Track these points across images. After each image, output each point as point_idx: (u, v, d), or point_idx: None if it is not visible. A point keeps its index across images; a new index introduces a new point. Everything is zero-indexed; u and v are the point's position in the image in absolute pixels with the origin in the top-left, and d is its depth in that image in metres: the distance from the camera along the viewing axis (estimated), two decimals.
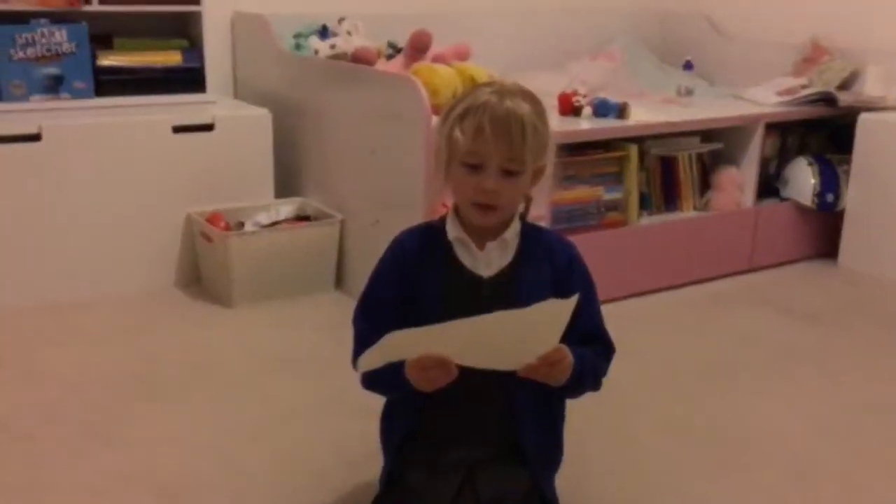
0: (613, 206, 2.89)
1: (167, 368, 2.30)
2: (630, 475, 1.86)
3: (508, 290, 1.44)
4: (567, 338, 1.37)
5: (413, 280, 1.46)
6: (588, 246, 2.76)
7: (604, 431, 2.01)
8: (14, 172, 2.57)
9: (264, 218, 2.89)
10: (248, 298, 2.73)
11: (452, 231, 1.46)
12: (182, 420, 2.04)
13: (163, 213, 2.82)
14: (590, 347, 1.47)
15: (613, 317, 2.73)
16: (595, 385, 1.49)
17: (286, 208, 2.97)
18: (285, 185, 3.10)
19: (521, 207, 1.49)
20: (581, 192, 2.80)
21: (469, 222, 1.45)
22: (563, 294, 1.32)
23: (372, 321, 1.44)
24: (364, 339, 1.38)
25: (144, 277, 2.82)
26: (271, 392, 2.18)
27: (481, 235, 1.45)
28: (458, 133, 1.38)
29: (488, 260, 1.45)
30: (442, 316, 1.29)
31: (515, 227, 1.48)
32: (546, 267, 1.49)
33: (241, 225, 2.86)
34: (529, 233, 1.50)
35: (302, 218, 2.95)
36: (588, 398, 1.50)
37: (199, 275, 2.90)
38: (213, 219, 2.80)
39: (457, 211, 1.47)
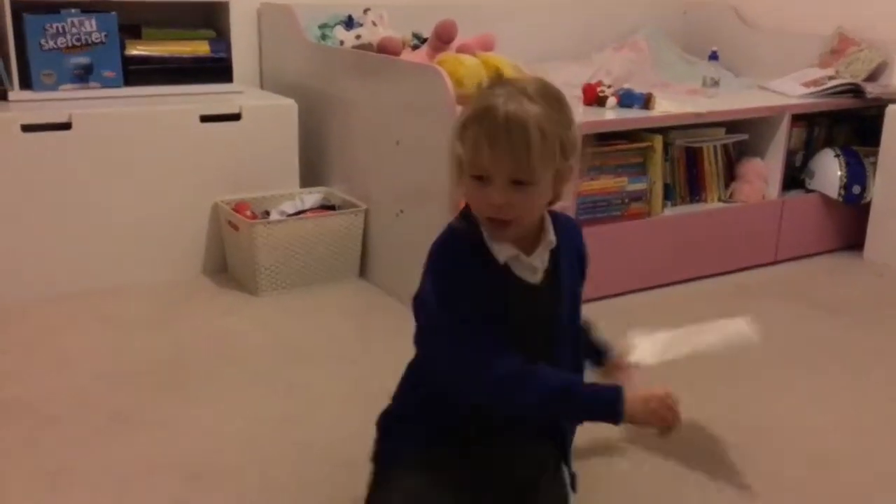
0: (637, 197, 2.88)
1: (195, 356, 2.33)
2: (649, 464, 1.86)
3: (553, 286, 1.41)
4: (573, 323, 1.47)
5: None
6: (612, 237, 2.81)
7: None
8: (44, 160, 2.61)
9: (289, 207, 2.92)
10: (274, 287, 2.76)
11: (499, 250, 1.35)
12: (209, 407, 2.07)
13: (190, 201, 2.85)
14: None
15: (636, 308, 2.79)
16: None
17: (311, 198, 2.99)
18: (310, 174, 3.13)
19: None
20: (605, 183, 2.79)
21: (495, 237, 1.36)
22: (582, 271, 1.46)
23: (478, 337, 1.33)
24: (487, 357, 1.31)
25: (172, 266, 2.85)
26: (297, 380, 2.21)
27: (522, 239, 1.37)
28: (458, 146, 1.30)
29: (535, 264, 1.38)
30: (504, 324, 1.33)
31: (549, 222, 1.40)
32: (574, 254, 1.47)
33: (267, 214, 2.89)
34: (556, 223, 1.43)
35: (327, 207, 2.97)
36: None
37: (226, 263, 2.93)
38: (239, 208, 2.83)
39: None
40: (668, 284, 2.94)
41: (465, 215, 1.37)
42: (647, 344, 1.97)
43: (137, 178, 2.75)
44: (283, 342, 2.43)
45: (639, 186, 2.88)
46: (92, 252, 2.72)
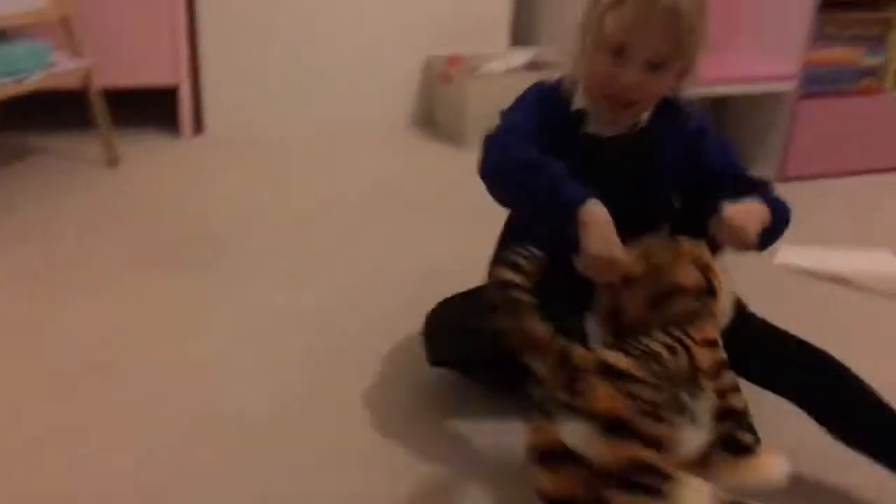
0: (871, 73, 2.68)
1: (406, 193, 2.47)
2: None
3: (634, 150, 1.38)
4: (706, 182, 1.37)
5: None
6: (839, 113, 2.63)
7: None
8: (266, 8, 2.73)
9: (499, 65, 2.92)
10: (479, 139, 2.80)
11: (579, 100, 1.37)
12: (422, 236, 2.21)
13: (403, 53, 2.93)
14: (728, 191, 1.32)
15: (859, 189, 2.63)
16: (781, 222, 1.36)
17: (520, 56, 2.98)
18: (522, 31, 3.10)
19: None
20: (838, 54, 2.61)
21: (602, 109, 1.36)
22: (696, 157, 1.37)
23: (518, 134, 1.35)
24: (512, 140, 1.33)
25: (383, 114, 2.96)
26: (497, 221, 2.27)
27: (613, 112, 1.36)
28: (610, 19, 1.28)
29: (614, 126, 1.38)
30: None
31: (645, 115, 1.39)
32: (678, 134, 1.40)
33: (476, 69, 2.90)
34: (664, 104, 1.39)
35: (535, 66, 2.95)
36: None
37: (432, 116, 3.00)
38: (451, 62, 2.86)
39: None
40: (893, 169, 2.74)
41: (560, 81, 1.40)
42: (797, 250, 1.92)
43: (358, 27, 2.84)
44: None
45: (874, 61, 2.67)
46: (313, 94, 2.87)
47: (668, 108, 1.40)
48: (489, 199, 2.45)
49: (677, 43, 1.27)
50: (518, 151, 1.31)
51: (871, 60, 2.66)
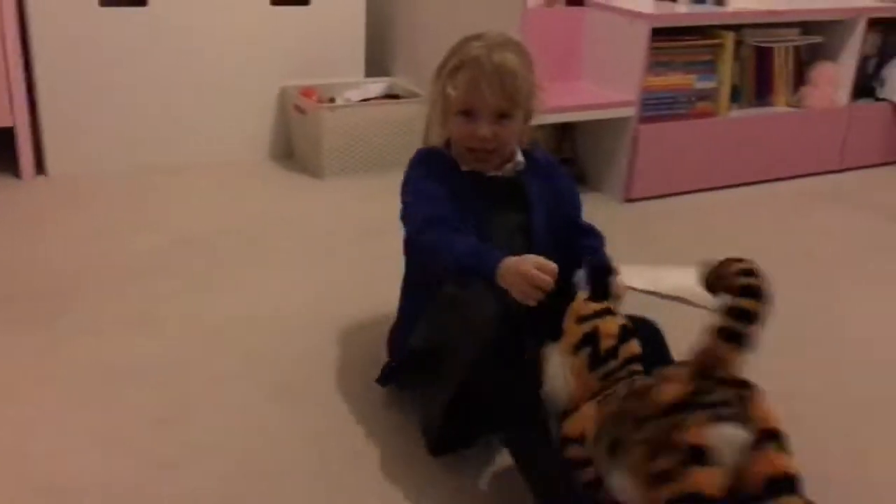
0: (705, 96, 2.86)
1: (264, 230, 2.41)
2: None
3: (520, 191, 1.55)
4: (562, 226, 1.57)
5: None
6: (676, 135, 2.80)
7: (684, 310, 2.05)
8: (120, 36, 2.66)
9: (354, 95, 2.95)
10: (337, 171, 2.81)
11: (465, 165, 1.55)
12: (276, 276, 2.15)
13: (259, 84, 2.89)
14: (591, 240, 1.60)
15: (696, 208, 2.80)
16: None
17: (375, 87, 3.02)
18: (376, 64, 3.14)
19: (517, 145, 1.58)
20: (673, 80, 2.77)
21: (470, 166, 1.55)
22: (560, 192, 1.59)
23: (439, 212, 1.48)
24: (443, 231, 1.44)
25: (240, 147, 2.92)
26: (357, 256, 2.28)
27: (492, 165, 1.55)
28: (451, 89, 1.48)
29: (499, 174, 1.56)
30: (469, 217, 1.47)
31: (519, 153, 1.58)
32: (547, 179, 1.60)
33: (332, 100, 2.92)
34: (531, 157, 1.60)
35: (391, 97, 2.99)
36: None
37: (291, 148, 2.99)
38: (306, 92, 2.86)
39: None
40: (730, 186, 2.93)
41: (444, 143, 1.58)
42: (634, 272, 2.08)
43: (208, 58, 2.79)
44: (346, 221, 2.50)
45: (707, 85, 2.85)
46: (163, 130, 2.80)
47: (534, 157, 1.60)
48: (345, 232, 2.49)
49: (511, 96, 1.48)
50: (445, 248, 1.42)
51: (703, 85, 2.84)
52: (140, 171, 2.74)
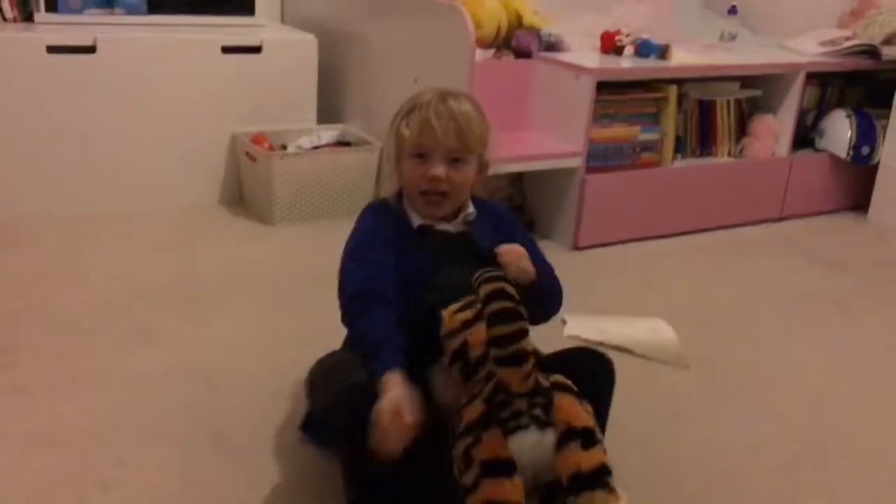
0: (649, 147, 2.93)
1: (210, 277, 2.40)
2: (649, 400, 1.93)
3: (468, 244, 1.54)
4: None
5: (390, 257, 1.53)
6: (621, 185, 2.86)
7: (626, 359, 2.09)
8: (68, 83, 2.66)
9: (306, 142, 2.97)
10: (288, 218, 2.82)
11: (416, 220, 1.56)
12: (224, 324, 2.14)
13: (209, 131, 2.90)
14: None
15: (642, 255, 2.85)
16: (557, 296, 1.60)
17: (328, 134, 3.04)
18: (328, 111, 3.17)
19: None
20: (617, 131, 2.84)
21: (422, 213, 1.56)
22: (513, 241, 1.52)
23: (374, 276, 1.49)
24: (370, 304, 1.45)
25: (189, 194, 2.92)
26: (307, 305, 2.28)
27: (443, 217, 1.57)
28: (404, 129, 1.52)
29: (449, 228, 1.57)
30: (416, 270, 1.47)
31: (469, 203, 1.60)
32: (497, 230, 1.60)
33: (284, 147, 2.94)
34: (483, 208, 1.63)
35: (343, 144, 3.02)
36: None
37: (242, 194, 2.99)
38: (257, 139, 2.88)
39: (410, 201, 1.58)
40: (673, 235, 3.00)
41: (397, 196, 1.60)
42: (581, 322, 2.14)
43: (158, 105, 2.80)
44: (295, 269, 2.50)
45: (651, 136, 2.93)
46: (111, 175, 2.79)
47: (486, 208, 1.62)
48: (293, 280, 2.48)
49: (465, 139, 1.51)
50: (364, 324, 1.44)
51: (647, 136, 2.91)
52: (87, 217, 2.72)
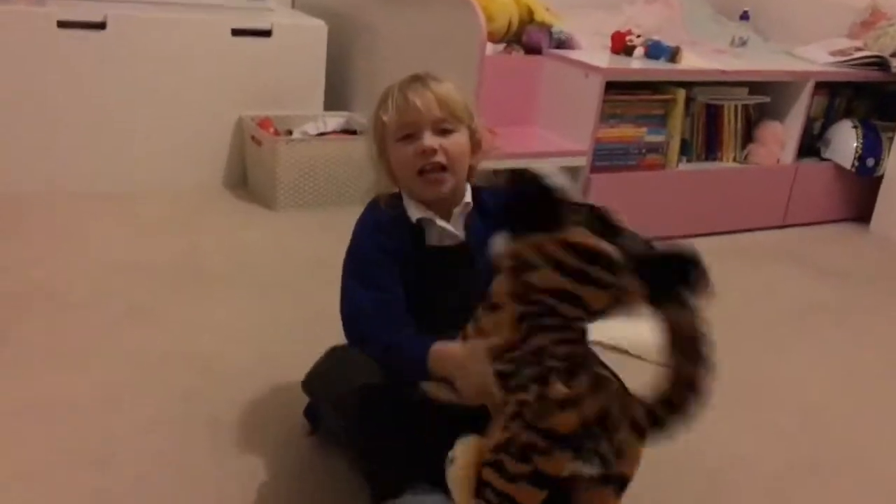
0: (654, 149, 2.92)
1: (211, 260, 2.40)
2: None
3: (468, 250, 1.49)
4: None
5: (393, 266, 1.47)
6: (624, 186, 2.85)
7: (622, 361, 2.09)
8: (78, 58, 2.65)
9: (312, 128, 2.96)
10: (291, 204, 2.82)
11: (414, 212, 1.48)
12: (223, 308, 2.14)
13: (215, 113, 2.90)
14: None
15: None
16: None
17: (334, 121, 3.03)
18: (335, 98, 3.16)
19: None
20: (624, 132, 2.83)
21: (425, 198, 1.47)
22: None
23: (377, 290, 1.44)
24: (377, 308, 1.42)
25: (194, 175, 2.91)
26: (306, 292, 2.28)
27: (441, 208, 1.48)
28: (382, 115, 1.45)
29: (454, 229, 1.49)
30: (418, 289, 1.43)
31: (468, 191, 1.51)
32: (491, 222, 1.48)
33: (289, 133, 2.93)
34: (478, 194, 1.54)
35: (348, 132, 3.01)
36: None
37: (246, 177, 2.99)
38: (263, 123, 2.87)
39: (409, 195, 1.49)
40: (675, 237, 2.97)
41: (391, 195, 1.51)
42: None
43: (166, 84, 2.79)
44: (297, 256, 2.50)
45: (657, 138, 2.92)
46: (116, 153, 2.78)
47: (484, 196, 1.52)
48: (294, 266, 2.47)
49: (447, 106, 1.43)
50: (375, 338, 1.41)
51: (653, 138, 2.91)
52: (91, 194, 2.72)
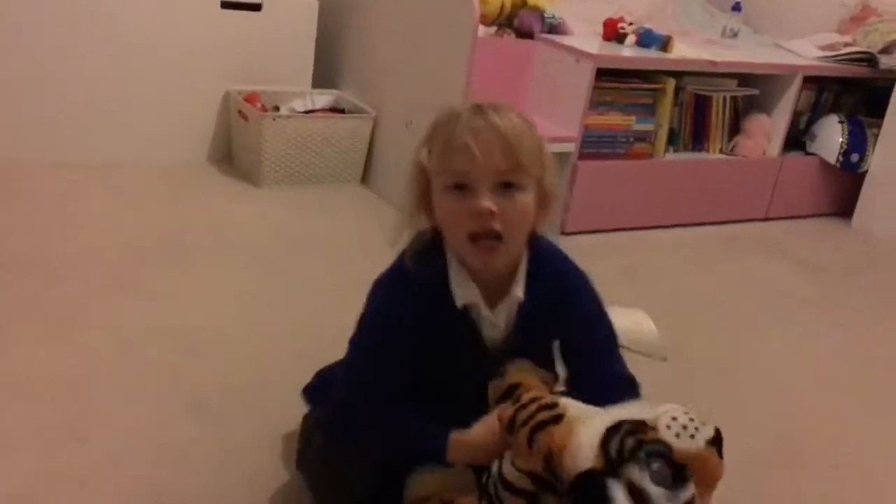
0: (642, 138, 2.93)
1: (195, 236, 2.38)
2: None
3: (511, 347, 1.26)
4: (591, 382, 1.24)
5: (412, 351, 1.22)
6: (612, 173, 2.86)
7: None
8: (64, 27, 2.61)
9: (299, 105, 2.94)
10: (276, 180, 2.80)
11: (462, 294, 1.21)
12: (206, 284, 2.13)
13: (203, 86, 2.87)
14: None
15: (626, 245, 2.86)
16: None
17: (322, 98, 3.01)
18: (324, 76, 3.14)
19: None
20: (613, 119, 2.83)
21: (471, 267, 1.20)
22: (578, 338, 1.25)
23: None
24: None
25: (179, 148, 2.89)
26: (290, 267, 2.28)
27: (490, 287, 1.22)
28: (425, 156, 1.17)
29: (496, 321, 1.25)
30: (449, 383, 1.22)
31: (523, 270, 1.24)
32: (556, 311, 1.27)
33: (277, 109, 2.91)
34: (541, 269, 1.25)
35: (336, 110, 2.99)
36: None
37: (231, 152, 2.97)
38: (250, 98, 2.85)
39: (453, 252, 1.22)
40: (659, 227, 3.01)
41: (428, 249, 1.22)
42: None
43: (153, 55, 2.76)
44: (280, 232, 2.49)
45: (645, 127, 2.93)
46: (102, 124, 2.75)
47: (543, 276, 1.25)
48: (278, 243, 2.46)
49: (515, 155, 1.13)
50: (389, 430, 1.22)
51: (641, 126, 2.91)
52: (75, 164, 2.68)
